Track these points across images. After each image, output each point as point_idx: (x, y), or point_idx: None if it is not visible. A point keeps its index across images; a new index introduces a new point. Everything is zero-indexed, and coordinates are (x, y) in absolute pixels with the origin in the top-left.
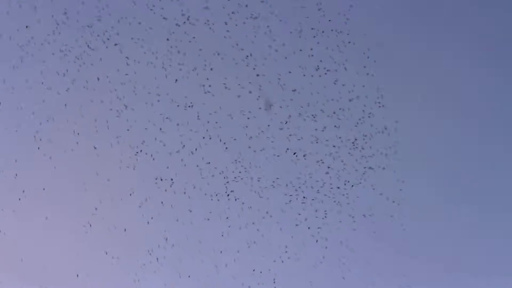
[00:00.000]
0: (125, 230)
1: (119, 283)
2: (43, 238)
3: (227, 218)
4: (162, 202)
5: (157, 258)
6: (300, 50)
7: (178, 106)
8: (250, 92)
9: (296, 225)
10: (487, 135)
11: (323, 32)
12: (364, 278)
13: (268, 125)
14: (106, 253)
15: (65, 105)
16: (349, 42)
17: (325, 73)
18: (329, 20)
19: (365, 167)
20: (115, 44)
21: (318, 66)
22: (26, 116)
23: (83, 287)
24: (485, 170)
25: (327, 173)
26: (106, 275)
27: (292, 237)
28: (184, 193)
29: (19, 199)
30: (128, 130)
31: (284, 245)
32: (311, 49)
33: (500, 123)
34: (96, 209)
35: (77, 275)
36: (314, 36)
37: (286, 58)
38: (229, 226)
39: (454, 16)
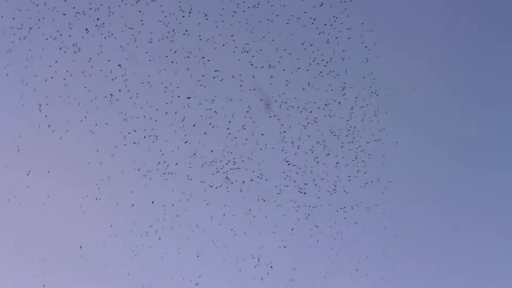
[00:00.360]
0: (132, 205)
1: (118, 257)
2: (46, 210)
3: (225, 205)
4: (161, 186)
5: (155, 231)
6: (302, 43)
7: (176, 96)
8: (242, 80)
9: (284, 215)
10: (485, 134)
11: (324, 24)
12: (351, 260)
13: (261, 114)
14: (111, 226)
15: (65, 85)
16: (349, 38)
17: (324, 65)
18: (334, 14)
19: (354, 159)
20: (110, 33)
21: (314, 57)
22: (30, 91)
23: (83, 260)
24: (479, 170)
25: (317, 162)
26: (106, 249)
27: (286, 223)
28: (187, 176)
29: (27, 174)
30: (124, 120)
31: (278, 230)
32: (311, 44)
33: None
34: (97, 185)
35: (80, 247)
36: (317, 27)
37: (285, 49)
38: (223, 215)
39: (448, 8)
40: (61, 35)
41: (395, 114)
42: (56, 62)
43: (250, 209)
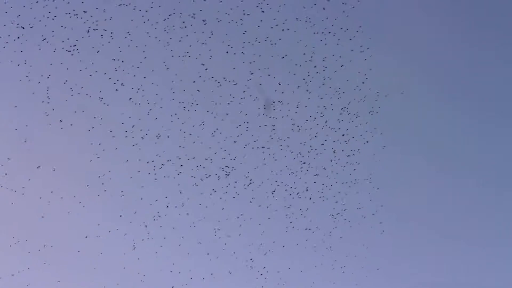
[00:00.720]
0: (141, 198)
1: (117, 249)
2: (49, 201)
3: (222, 209)
4: (160, 186)
5: (155, 225)
6: (302, 46)
7: (172, 98)
8: (236, 84)
9: (273, 218)
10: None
11: (324, 29)
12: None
13: (254, 118)
14: (120, 216)
15: (66, 81)
16: (351, 50)
17: (323, 70)
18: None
19: (344, 165)
20: (108, 34)
21: (311, 57)
22: (35, 84)
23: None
24: (465, 172)
25: (308, 167)
26: (106, 241)
27: (278, 225)
28: (179, 185)
29: (38, 167)
30: (122, 123)
31: (270, 231)
32: (312, 48)
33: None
34: (99, 177)
35: (86, 237)
36: (315, 33)
37: (286, 55)
38: (219, 221)
39: (440, 15)
40: (53, 36)
41: (385, 118)
42: (53, 62)
43: (242, 213)
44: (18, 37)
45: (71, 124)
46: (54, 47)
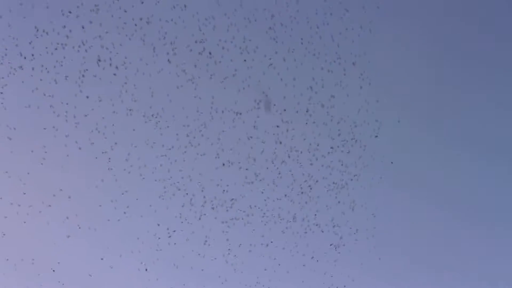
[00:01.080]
0: (158, 224)
1: (130, 270)
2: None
3: (227, 240)
4: (164, 206)
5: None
6: (306, 74)
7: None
8: (235, 112)
9: (272, 245)
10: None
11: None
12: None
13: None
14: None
15: (75, 107)
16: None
17: (328, 99)
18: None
19: (343, 187)
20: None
21: (311, 84)
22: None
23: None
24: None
25: (311, 189)
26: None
27: (280, 243)
28: (189, 213)
29: (54, 195)
30: (128, 155)
31: (274, 250)
32: (316, 76)
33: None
34: (112, 202)
35: (102, 259)
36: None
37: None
38: (228, 251)
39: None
40: (56, 52)
41: (383, 146)
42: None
43: (248, 241)
44: (23, 69)
45: (90, 144)
46: (64, 74)
